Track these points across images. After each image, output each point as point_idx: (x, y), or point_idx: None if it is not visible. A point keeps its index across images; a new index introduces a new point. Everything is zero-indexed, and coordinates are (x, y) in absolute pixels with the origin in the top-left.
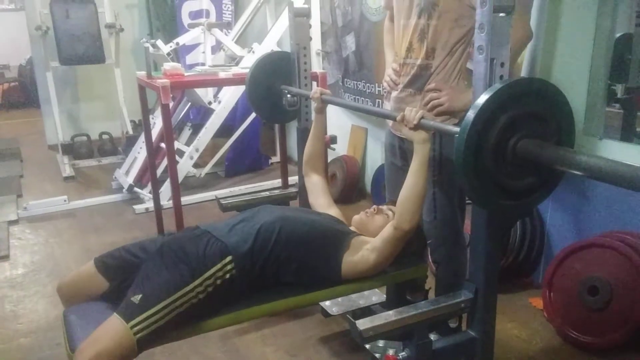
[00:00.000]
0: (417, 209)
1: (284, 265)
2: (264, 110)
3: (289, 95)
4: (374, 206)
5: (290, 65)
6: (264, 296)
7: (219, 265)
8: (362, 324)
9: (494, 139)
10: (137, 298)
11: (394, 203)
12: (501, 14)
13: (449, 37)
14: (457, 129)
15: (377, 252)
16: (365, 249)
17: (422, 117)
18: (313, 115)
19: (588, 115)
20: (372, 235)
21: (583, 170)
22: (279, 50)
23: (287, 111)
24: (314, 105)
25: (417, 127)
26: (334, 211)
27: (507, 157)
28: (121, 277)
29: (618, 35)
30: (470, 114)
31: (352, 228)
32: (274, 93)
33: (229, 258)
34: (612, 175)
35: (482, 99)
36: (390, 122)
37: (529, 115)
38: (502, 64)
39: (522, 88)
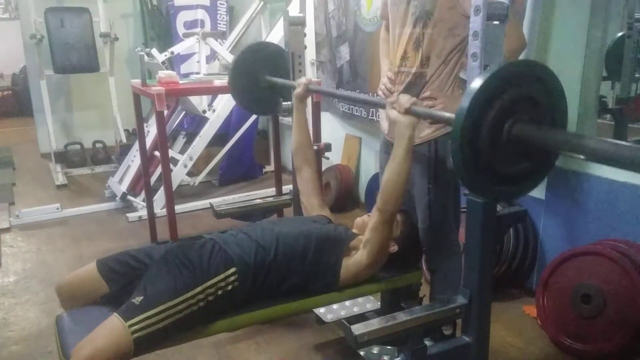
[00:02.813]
0: (401, 193)
1: (285, 279)
2: (248, 102)
3: (283, 103)
4: None
5: (276, 56)
6: (259, 303)
7: (222, 276)
8: (357, 328)
9: (490, 123)
10: (138, 299)
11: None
12: (495, 22)
13: (443, 45)
14: (451, 115)
15: (368, 244)
16: (359, 248)
17: (415, 104)
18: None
19: (580, 125)
20: None
21: (579, 151)
22: (260, 42)
23: (271, 103)
24: (297, 91)
25: (407, 111)
26: (326, 212)
27: (502, 142)
28: (123, 281)
29: (619, 34)
30: (466, 100)
31: (354, 230)
32: (258, 84)
33: (232, 269)
34: (608, 156)
35: (477, 83)
36: (385, 130)
37: (523, 98)
38: None
39: (516, 70)
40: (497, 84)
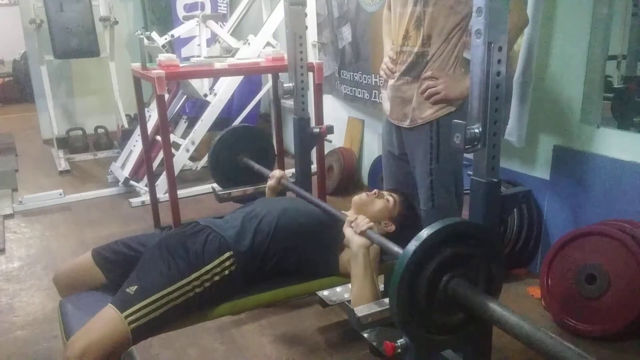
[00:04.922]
0: (372, 300)
1: (283, 259)
2: (226, 179)
3: (285, 85)
4: (376, 190)
5: (255, 139)
6: (262, 286)
7: (217, 261)
8: (360, 310)
9: (430, 274)
10: (132, 289)
11: (394, 190)
12: None
13: (445, 24)
14: (399, 251)
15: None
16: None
17: (370, 229)
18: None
19: (585, 104)
20: (369, 216)
21: (499, 325)
22: (245, 125)
23: (248, 183)
24: (270, 183)
25: (362, 233)
26: None
27: (438, 293)
28: (119, 270)
29: None
30: (411, 246)
31: (350, 211)
32: (237, 164)
33: (228, 254)
34: (526, 339)
35: (425, 233)
36: (387, 111)
37: (465, 256)
38: (499, 48)
39: (462, 229)
40: (443, 238)
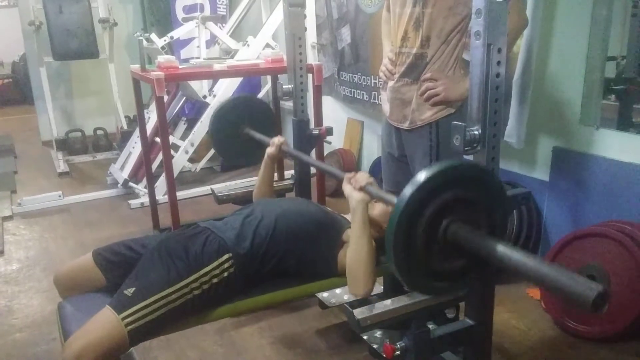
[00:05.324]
0: (369, 271)
1: (282, 260)
2: (226, 149)
3: (284, 86)
4: None
5: (255, 108)
6: (261, 288)
7: (215, 263)
8: (360, 312)
9: (428, 218)
10: (130, 291)
11: (394, 193)
12: None
13: (444, 25)
14: (393, 200)
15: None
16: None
17: (370, 184)
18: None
19: (585, 105)
20: (369, 220)
21: (507, 265)
22: (246, 93)
23: (249, 154)
24: (269, 150)
25: (361, 189)
26: None
27: (438, 239)
28: (119, 272)
29: None
30: (407, 191)
31: (347, 216)
32: (238, 135)
33: (227, 255)
34: (532, 274)
35: (421, 177)
36: (387, 113)
37: (465, 200)
38: (499, 50)
39: (462, 172)
40: (441, 181)
